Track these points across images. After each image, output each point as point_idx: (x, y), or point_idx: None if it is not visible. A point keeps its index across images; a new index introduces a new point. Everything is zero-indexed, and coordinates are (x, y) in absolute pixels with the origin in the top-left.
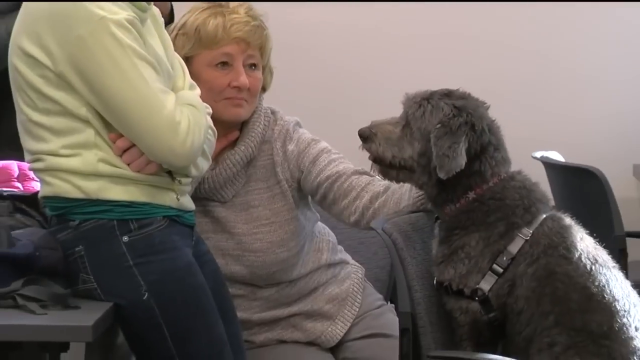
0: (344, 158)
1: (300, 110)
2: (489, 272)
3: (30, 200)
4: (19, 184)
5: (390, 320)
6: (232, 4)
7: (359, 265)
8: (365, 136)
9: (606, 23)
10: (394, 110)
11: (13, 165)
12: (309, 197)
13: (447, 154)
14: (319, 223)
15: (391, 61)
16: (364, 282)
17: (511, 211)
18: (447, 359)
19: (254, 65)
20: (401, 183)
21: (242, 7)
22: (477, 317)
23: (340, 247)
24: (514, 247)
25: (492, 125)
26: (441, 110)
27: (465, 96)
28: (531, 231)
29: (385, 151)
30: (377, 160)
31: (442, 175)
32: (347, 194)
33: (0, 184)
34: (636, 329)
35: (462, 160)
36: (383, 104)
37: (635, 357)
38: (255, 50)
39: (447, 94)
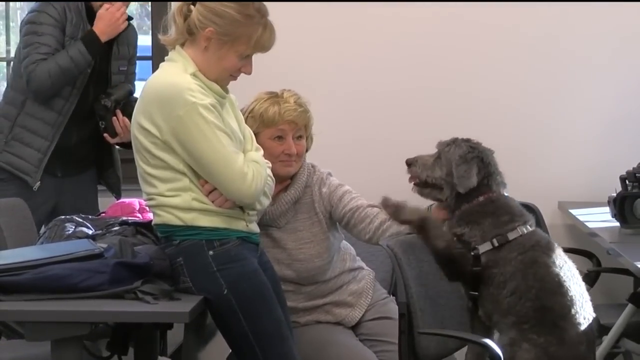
0: (360, 196)
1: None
2: (489, 242)
3: (147, 226)
4: (139, 215)
5: (392, 307)
6: (285, 94)
7: (371, 270)
8: (409, 163)
9: (534, 85)
10: None
11: (135, 202)
12: (337, 224)
13: (464, 176)
14: (344, 241)
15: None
16: (374, 281)
17: (512, 210)
18: (431, 334)
19: (300, 136)
20: None
21: (292, 98)
22: (466, 256)
23: (358, 258)
24: (512, 235)
25: (494, 161)
26: (462, 148)
27: (478, 142)
28: (525, 231)
29: (422, 172)
30: (417, 182)
31: (461, 190)
32: (363, 220)
33: (127, 214)
34: (584, 318)
35: (475, 180)
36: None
37: (579, 339)
38: (301, 127)
39: (466, 140)
